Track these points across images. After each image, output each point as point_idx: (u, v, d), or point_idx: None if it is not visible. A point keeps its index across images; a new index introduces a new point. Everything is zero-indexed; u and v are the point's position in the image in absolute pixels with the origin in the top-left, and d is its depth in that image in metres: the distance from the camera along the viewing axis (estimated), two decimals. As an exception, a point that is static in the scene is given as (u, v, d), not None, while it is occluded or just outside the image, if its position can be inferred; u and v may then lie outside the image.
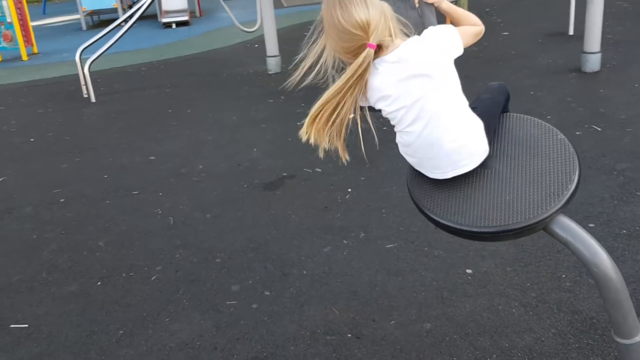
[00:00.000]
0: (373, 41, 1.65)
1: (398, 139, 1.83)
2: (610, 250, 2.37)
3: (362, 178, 3.79)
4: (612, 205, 3.13)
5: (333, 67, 1.78)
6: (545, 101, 4.91)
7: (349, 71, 1.68)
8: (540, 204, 1.76)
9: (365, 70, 1.68)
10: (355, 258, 2.91)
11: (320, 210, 3.44)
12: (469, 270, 2.71)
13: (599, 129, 4.19)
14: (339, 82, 1.69)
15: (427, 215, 1.88)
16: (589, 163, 3.63)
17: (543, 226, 1.76)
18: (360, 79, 1.69)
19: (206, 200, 3.73)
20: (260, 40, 8.61)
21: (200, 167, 4.27)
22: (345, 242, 3.07)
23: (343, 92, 1.68)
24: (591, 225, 2.95)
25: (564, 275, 2.60)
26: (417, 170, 1.94)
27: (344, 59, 1.73)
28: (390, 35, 1.68)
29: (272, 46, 6.61)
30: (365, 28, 1.64)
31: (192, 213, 3.58)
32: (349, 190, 3.64)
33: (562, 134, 2.01)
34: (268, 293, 2.71)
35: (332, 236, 3.14)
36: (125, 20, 6.58)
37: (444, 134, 1.72)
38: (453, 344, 2.27)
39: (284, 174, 3.98)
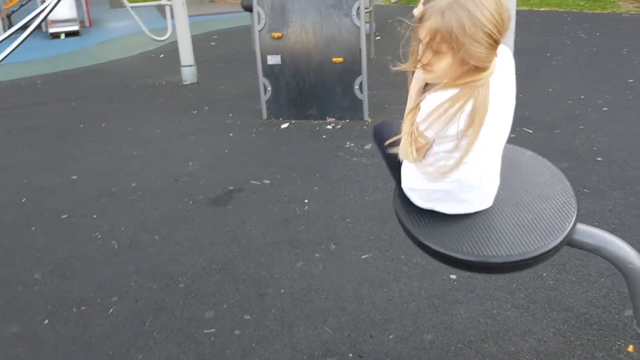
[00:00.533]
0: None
1: (436, 173, 1.65)
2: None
3: (316, 188, 3.65)
4: (567, 203, 3.23)
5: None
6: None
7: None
8: (560, 216, 1.73)
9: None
10: (333, 272, 2.77)
11: (281, 223, 3.26)
12: (452, 276, 2.66)
13: (531, 132, 4.38)
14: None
15: (444, 255, 1.68)
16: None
17: (568, 240, 1.72)
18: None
19: (150, 221, 3.41)
20: (165, 50, 8.22)
21: (134, 184, 3.92)
22: (317, 255, 2.92)
23: None
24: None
25: (544, 274, 2.63)
26: (410, 208, 1.80)
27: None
28: None
29: (187, 55, 6.29)
30: (504, 26, 1.34)
31: (137, 235, 3.25)
32: (306, 201, 3.49)
33: (529, 150, 2.04)
34: (248, 317, 2.50)
35: (301, 250, 2.97)
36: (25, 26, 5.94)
37: (490, 172, 1.69)
38: (459, 353, 2.20)
39: (231, 188, 3.75)
